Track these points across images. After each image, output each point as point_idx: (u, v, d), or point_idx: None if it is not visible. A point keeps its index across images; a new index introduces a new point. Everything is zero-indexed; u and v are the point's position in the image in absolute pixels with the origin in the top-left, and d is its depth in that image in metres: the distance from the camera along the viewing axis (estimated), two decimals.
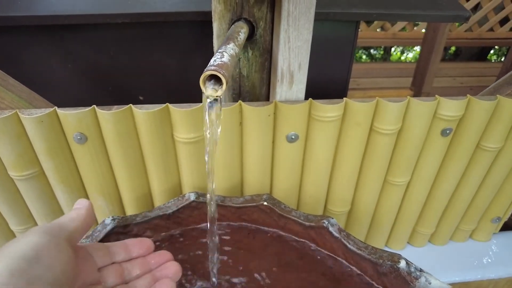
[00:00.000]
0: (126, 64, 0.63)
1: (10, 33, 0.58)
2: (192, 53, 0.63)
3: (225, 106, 0.43)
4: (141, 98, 0.67)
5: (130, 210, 0.51)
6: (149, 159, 0.46)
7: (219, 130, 0.34)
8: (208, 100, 0.31)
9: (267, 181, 0.51)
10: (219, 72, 0.30)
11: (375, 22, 2.25)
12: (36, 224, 0.52)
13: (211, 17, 0.46)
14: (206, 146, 0.35)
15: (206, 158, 0.34)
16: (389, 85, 2.17)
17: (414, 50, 4.14)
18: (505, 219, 0.65)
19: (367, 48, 3.92)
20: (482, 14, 2.18)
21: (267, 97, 0.52)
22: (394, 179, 0.53)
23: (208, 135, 0.34)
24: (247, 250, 0.45)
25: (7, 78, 0.45)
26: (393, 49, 4.10)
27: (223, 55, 0.33)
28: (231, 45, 0.36)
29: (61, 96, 0.64)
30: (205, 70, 0.31)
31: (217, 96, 0.31)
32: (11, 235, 0.53)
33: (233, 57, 0.35)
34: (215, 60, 0.32)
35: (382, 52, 4.06)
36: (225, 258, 0.45)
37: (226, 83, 0.30)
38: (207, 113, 0.32)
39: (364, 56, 3.98)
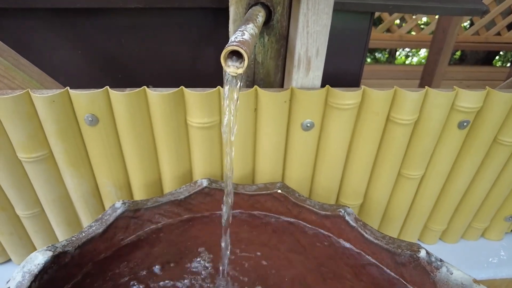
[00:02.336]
0: (137, 51, 0.62)
1: (20, 15, 0.57)
2: (204, 42, 0.62)
3: (240, 91, 0.42)
4: (151, 86, 0.66)
5: (139, 197, 0.50)
6: (161, 143, 0.45)
7: (237, 112, 0.34)
8: (229, 76, 0.31)
9: (279, 170, 0.50)
10: (241, 48, 0.29)
11: (381, 25, 2.24)
12: (43, 209, 0.51)
13: (226, 4, 0.45)
14: (223, 127, 0.34)
15: (225, 138, 0.33)
16: None
17: (418, 55, 4.13)
18: None
19: (372, 51, 3.91)
20: (489, 18, 2.17)
21: (281, 85, 0.51)
22: (409, 172, 0.52)
23: (226, 115, 0.33)
24: (259, 239, 0.44)
25: (18, 58, 0.44)
26: (397, 53, 4.08)
27: (244, 33, 0.33)
28: (250, 25, 0.36)
29: (70, 82, 0.63)
30: (226, 46, 0.30)
31: (238, 74, 0.30)
32: (17, 220, 0.52)
33: (253, 37, 0.34)
34: (236, 37, 0.32)
35: (387, 56, 4.05)
36: (237, 245, 0.44)
37: (248, 59, 0.30)
38: (227, 90, 0.31)
39: (368, 60, 3.96)
